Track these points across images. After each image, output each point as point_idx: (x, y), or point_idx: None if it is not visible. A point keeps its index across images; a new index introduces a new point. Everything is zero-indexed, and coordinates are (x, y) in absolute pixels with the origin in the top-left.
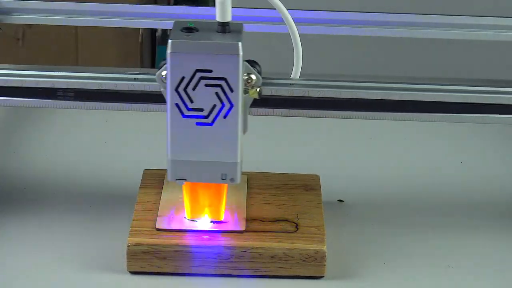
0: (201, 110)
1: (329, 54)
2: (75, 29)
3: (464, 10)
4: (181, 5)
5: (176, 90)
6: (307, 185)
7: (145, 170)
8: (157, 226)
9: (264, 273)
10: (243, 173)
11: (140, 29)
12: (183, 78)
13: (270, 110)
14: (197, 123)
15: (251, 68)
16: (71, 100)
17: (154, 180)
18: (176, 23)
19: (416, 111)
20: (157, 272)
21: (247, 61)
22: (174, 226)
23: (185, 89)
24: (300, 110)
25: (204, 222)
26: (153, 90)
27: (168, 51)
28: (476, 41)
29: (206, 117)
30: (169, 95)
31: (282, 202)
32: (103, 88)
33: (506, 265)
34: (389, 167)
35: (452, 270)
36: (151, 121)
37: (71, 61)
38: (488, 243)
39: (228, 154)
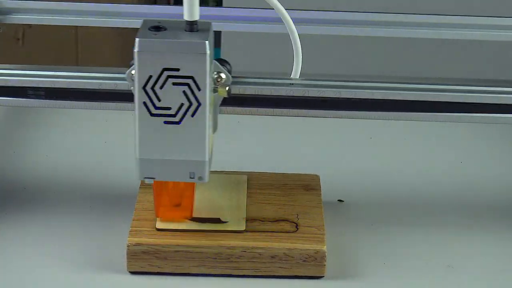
0: (169, 108)
1: (329, 54)
2: (75, 29)
3: (464, 10)
4: (181, 5)
5: (144, 88)
6: (307, 185)
7: None
8: (157, 226)
9: (264, 273)
10: (243, 173)
11: None
12: (150, 76)
13: (270, 110)
14: (165, 122)
15: (221, 67)
16: (71, 100)
17: None
18: (144, 22)
19: (416, 111)
20: (157, 272)
21: (217, 59)
22: (174, 226)
23: (152, 88)
24: (300, 110)
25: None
26: None
27: (135, 49)
28: (476, 41)
29: (174, 115)
30: (136, 93)
31: (282, 202)
32: (103, 88)
33: (506, 265)
34: (389, 167)
35: (452, 270)
36: None
37: (71, 61)
38: (488, 243)
39: (196, 152)
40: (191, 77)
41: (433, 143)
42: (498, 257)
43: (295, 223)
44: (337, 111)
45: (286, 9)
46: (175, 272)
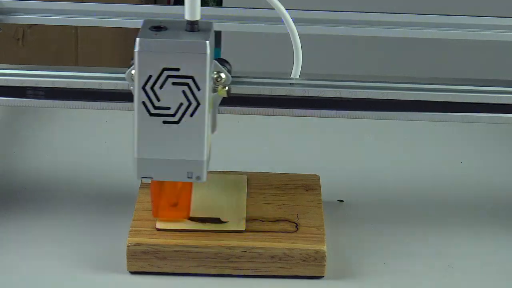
0: (168, 108)
1: (329, 54)
2: (75, 29)
3: (464, 10)
4: (181, 5)
5: (143, 88)
6: (307, 185)
7: None
8: (157, 226)
9: (264, 273)
10: (243, 173)
11: None
12: (150, 76)
13: (270, 110)
14: (164, 122)
15: (221, 66)
16: (71, 100)
17: None
18: (145, 22)
19: (416, 111)
20: (157, 272)
21: (217, 59)
22: (174, 226)
23: (152, 88)
24: (300, 110)
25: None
26: None
27: (136, 49)
28: (476, 41)
29: (173, 115)
30: (136, 93)
31: (282, 202)
32: (103, 88)
33: (507, 265)
34: (389, 167)
35: (452, 270)
36: None
37: (71, 61)
38: (488, 243)
39: (194, 152)
40: (191, 77)
41: (433, 143)
42: (498, 257)
43: (295, 223)
44: (337, 111)
45: (286, 9)
46: (175, 272)
